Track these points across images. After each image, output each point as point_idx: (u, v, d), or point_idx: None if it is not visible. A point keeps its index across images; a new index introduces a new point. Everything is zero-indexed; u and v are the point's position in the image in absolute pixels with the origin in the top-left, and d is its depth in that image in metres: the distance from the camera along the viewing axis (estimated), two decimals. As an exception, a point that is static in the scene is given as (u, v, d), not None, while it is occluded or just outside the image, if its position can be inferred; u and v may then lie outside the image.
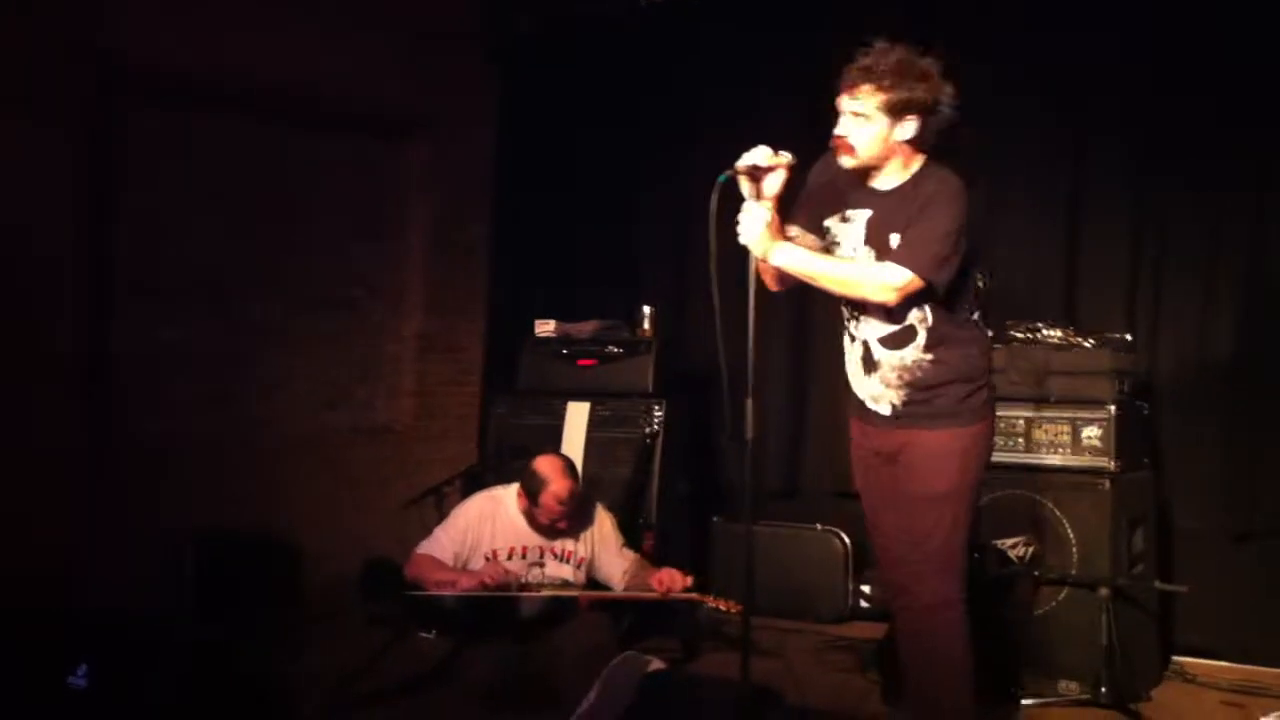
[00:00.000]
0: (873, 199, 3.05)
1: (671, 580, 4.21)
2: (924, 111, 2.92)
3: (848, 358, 3.19)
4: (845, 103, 2.95)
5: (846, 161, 2.99)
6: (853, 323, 3.14)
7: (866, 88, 2.89)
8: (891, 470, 3.10)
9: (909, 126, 2.93)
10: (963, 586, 3.03)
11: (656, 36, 6.06)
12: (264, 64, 5.43)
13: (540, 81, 6.41)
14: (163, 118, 5.41)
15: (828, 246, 3.11)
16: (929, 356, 3.01)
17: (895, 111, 2.90)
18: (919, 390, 3.03)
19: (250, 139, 5.70)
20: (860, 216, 3.06)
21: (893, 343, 3.04)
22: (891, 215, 2.98)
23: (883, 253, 2.99)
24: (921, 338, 3.00)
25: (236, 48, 5.32)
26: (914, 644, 3.09)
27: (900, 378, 3.04)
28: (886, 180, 3.03)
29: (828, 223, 3.12)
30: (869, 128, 2.92)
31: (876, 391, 3.10)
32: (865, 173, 3.04)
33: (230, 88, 5.46)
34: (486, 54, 6.45)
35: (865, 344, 3.10)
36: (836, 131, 2.98)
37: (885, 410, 3.09)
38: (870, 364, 3.10)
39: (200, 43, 5.22)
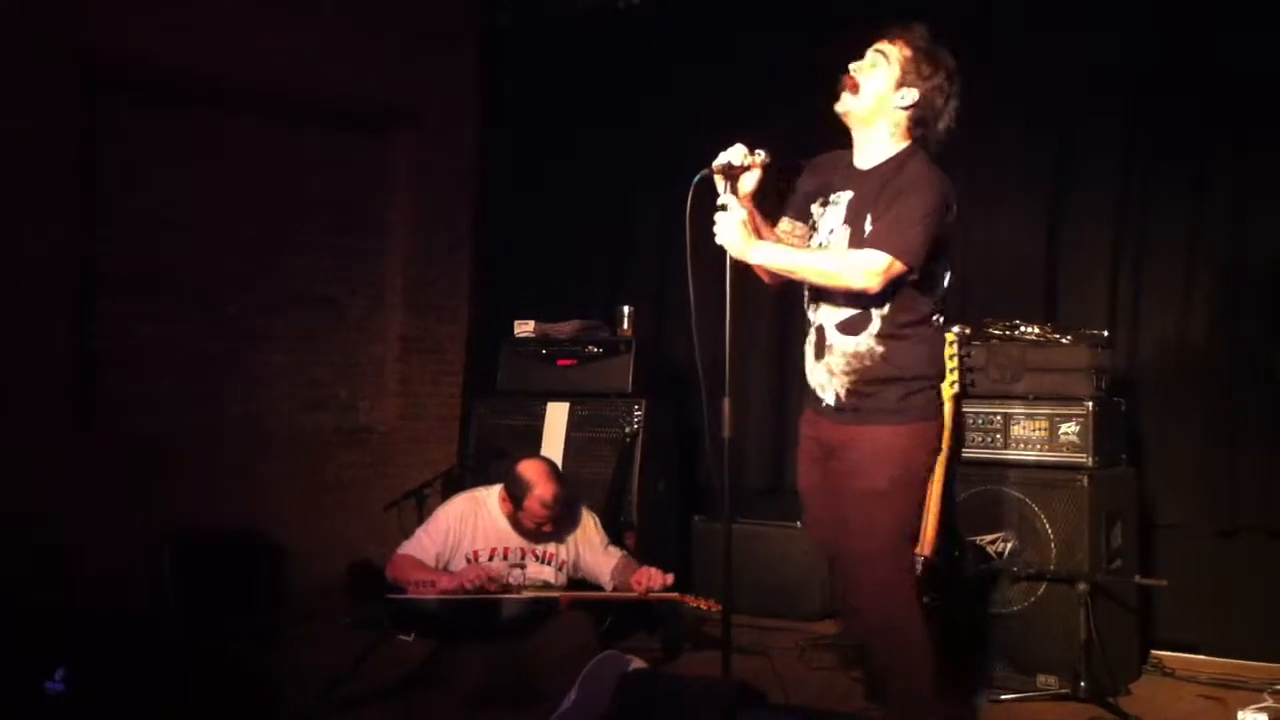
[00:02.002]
0: (856, 179, 3.10)
1: (650, 579, 4.22)
2: (925, 87, 3.02)
3: (806, 342, 3.20)
4: (874, 46, 3.07)
5: (847, 102, 3.06)
6: (812, 307, 3.17)
7: (900, 40, 3.05)
8: (836, 464, 3.13)
9: (910, 94, 3.02)
10: (910, 568, 3.15)
11: (644, 35, 6.06)
12: (249, 62, 5.43)
13: (524, 79, 6.40)
14: (149, 116, 5.40)
15: (811, 229, 3.18)
16: (880, 349, 3.01)
17: (908, 71, 3.02)
18: (863, 383, 3.04)
19: (234, 136, 5.69)
20: (843, 198, 3.11)
21: (848, 328, 3.05)
22: (870, 195, 3.03)
23: (858, 232, 3.01)
24: (875, 326, 3.02)
25: (223, 46, 5.31)
26: (877, 636, 3.15)
27: (848, 364, 3.05)
28: (871, 154, 3.09)
29: (814, 209, 3.19)
30: (882, 72, 3.04)
31: (823, 379, 3.12)
32: (852, 150, 3.12)
33: (216, 86, 5.45)
34: (471, 51, 6.43)
35: (820, 329, 3.12)
36: (851, 67, 3.07)
37: (830, 400, 3.11)
38: (822, 349, 3.11)
39: (188, 41, 5.22)
